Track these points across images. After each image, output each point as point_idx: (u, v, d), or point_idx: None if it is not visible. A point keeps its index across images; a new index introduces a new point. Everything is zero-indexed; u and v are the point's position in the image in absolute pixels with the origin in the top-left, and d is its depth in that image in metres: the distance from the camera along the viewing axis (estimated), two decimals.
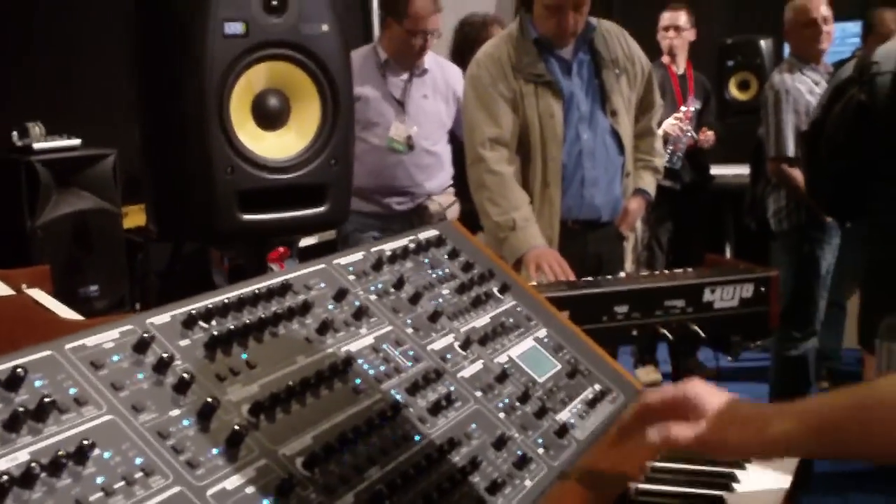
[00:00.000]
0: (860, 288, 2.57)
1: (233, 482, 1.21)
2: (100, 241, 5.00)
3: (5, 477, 1.03)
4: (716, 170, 6.69)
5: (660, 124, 5.47)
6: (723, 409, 1.48)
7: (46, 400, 1.14)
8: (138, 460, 1.16)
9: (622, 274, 3.86)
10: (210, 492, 1.18)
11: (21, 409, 1.11)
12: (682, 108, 6.18)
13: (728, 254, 6.65)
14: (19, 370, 1.15)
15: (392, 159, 4.55)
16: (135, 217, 5.60)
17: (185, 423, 1.25)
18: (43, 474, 1.07)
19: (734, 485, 1.64)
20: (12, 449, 1.09)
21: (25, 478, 1.05)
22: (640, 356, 6.30)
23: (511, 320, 1.89)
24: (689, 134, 6.20)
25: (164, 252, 5.72)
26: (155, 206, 2.93)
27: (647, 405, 1.55)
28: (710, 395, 1.50)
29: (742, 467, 1.70)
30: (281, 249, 4.67)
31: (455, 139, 4.72)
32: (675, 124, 6.11)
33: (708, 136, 6.37)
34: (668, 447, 1.51)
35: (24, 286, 2.92)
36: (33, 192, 4.82)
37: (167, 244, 5.61)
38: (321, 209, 2.78)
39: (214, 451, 1.24)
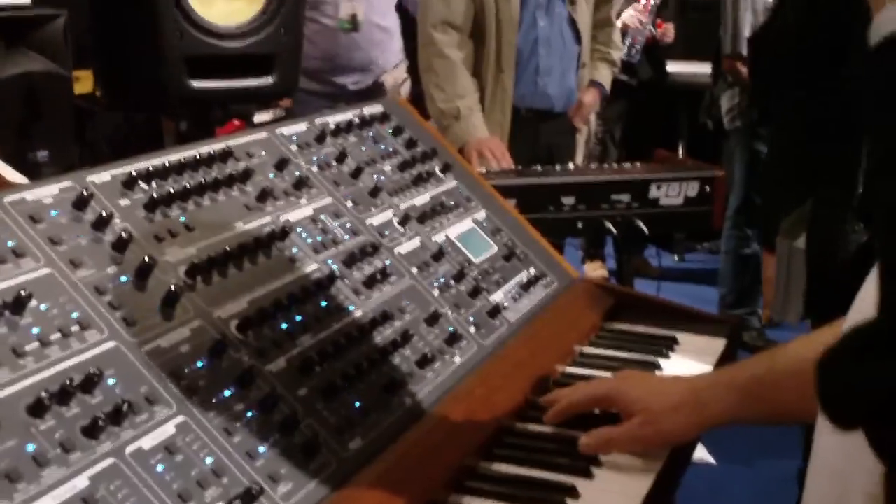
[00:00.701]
0: (761, 188, 2.61)
1: (168, 340, 1.24)
2: (49, 106, 4.93)
3: None
4: (672, 67, 6.69)
5: (618, 16, 5.46)
6: (649, 399, 1.43)
7: None
8: (75, 314, 1.18)
9: (570, 165, 3.89)
10: (145, 348, 1.21)
11: None
12: (642, 0, 6.15)
13: (680, 152, 6.69)
14: None
15: (344, 39, 4.50)
16: (85, 83, 5.51)
17: (123, 280, 1.26)
18: None
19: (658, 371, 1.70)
20: None
21: None
22: (587, 251, 6.37)
23: (451, 200, 1.91)
24: (648, 27, 6.19)
25: (115, 119, 5.65)
26: (103, 72, 2.90)
27: (571, 406, 1.49)
28: (631, 388, 1.46)
29: (666, 356, 1.76)
30: (236, 122, 4.64)
31: (402, 10, 4.67)
32: (633, 16, 6.08)
33: (667, 29, 6.36)
34: (605, 452, 1.42)
35: None
36: None
37: (119, 112, 5.54)
38: (270, 78, 2.77)
39: (150, 309, 1.26)
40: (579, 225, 3.49)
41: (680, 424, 1.41)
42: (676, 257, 6.66)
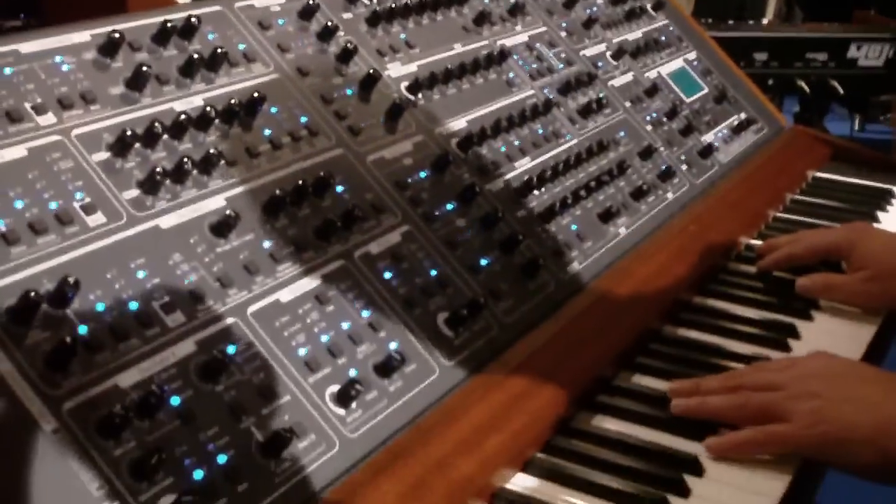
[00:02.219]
0: None
1: (391, 152, 1.23)
2: None
3: (183, 116, 1.06)
4: None
5: None
6: (882, 255, 1.34)
7: (219, 51, 1.15)
8: (303, 119, 1.18)
9: (764, 20, 3.74)
10: (370, 158, 1.20)
11: (196, 56, 1.13)
12: None
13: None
14: (193, 19, 1.16)
15: None
16: None
17: (348, 91, 1.26)
18: (217, 120, 1.09)
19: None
20: (188, 93, 1.11)
21: (201, 120, 1.08)
22: None
23: (663, 38, 1.85)
24: None
25: None
26: None
27: (792, 258, 1.41)
28: (865, 241, 1.37)
29: (884, 209, 1.68)
30: None
31: None
32: None
33: None
34: (823, 297, 1.36)
35: None
36: None
37: None
38: None
39: (374, 121, 1.25)
40: (770, 82, 3.36)
41: None
42: (857, 126, 6.38)
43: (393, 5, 1.39)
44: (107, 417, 0.81)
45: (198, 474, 0.83)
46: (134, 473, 0.80)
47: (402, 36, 1.39)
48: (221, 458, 0.85)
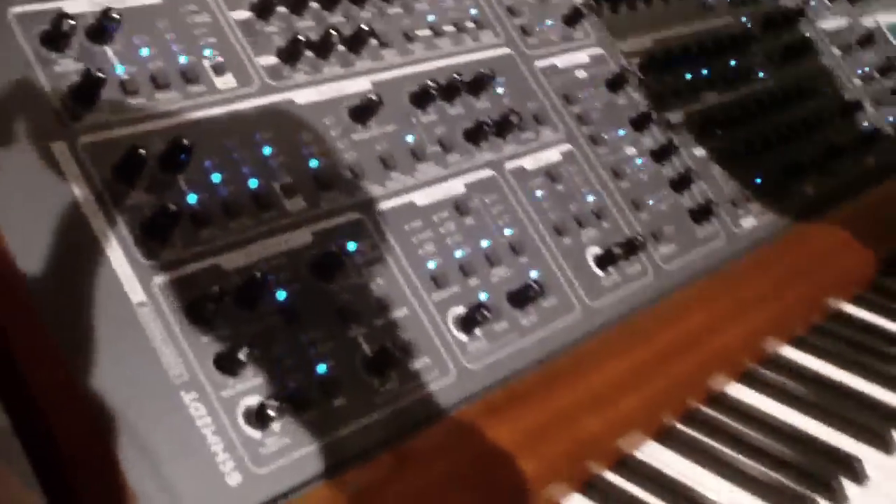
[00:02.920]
0: None
1: (564, 61, 1.10)
2: None
3: None
4: None
5: None
6: None
7: None
8: (473, 11, 1.06)
9: None
10: (539, 63, 1.08)
11: None
12: None
13: None
14: None
15: None
16: None
17: None
18: None
19: None
20: None
21: None
22: None
23: None
24: None
25: None
26: None
27: None
28: None
29: None
30: None
31: None
32: None
33: None
34: None
35: None
36: None
37: None
38: None
39: (549, 22, 1.12)
40: None
41: None
42: None
43: None
44: (201, 299, 0.72)
45: (290, 380, 0.73)
46: (220, 366, 0.71)
47: None
48: (320, 367, 0.75)
